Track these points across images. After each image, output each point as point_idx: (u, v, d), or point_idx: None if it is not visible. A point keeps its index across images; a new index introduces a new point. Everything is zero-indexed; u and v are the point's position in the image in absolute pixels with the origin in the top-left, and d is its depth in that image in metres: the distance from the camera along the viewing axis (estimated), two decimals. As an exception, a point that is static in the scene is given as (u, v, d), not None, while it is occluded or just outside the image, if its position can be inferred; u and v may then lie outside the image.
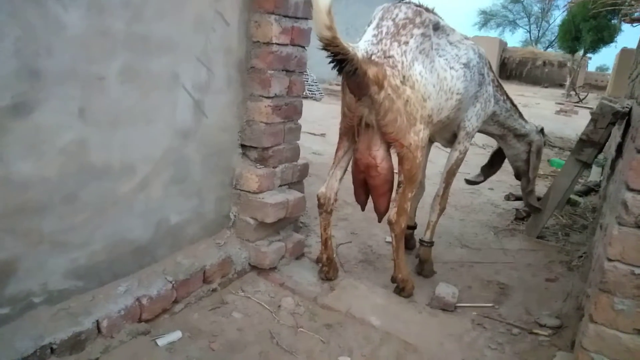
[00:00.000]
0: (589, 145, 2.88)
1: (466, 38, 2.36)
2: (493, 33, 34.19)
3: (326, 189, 2.28)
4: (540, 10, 33.38)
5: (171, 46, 1.86)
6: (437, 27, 2.13)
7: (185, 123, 2.01)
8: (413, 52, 1.95)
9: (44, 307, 1.62)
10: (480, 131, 2.71)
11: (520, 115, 2.88)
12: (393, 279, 2.34)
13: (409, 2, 2.10)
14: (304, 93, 7.76)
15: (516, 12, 35.29)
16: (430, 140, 2.69)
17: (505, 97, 2.71)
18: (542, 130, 3.04)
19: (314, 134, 5.22)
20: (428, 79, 2.00)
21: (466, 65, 2.22)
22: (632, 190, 1.48)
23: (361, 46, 1.96)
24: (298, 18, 2.27)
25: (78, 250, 1.70)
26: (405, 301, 2.30)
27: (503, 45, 22.07)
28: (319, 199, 2.29)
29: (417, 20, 1.99)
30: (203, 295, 2.11)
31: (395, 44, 1.93)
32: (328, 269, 2.37)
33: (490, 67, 2.55)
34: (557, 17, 32.47)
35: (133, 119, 1.78)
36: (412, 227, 2.89)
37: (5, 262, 1.49)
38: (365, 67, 1.84)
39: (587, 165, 2.96)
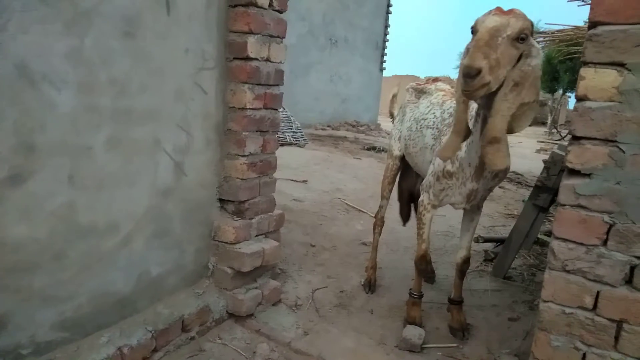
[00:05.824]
0: (544, 191, 3.11)
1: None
2: (476, 74, 35.36)
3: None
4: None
5: (153, 116, 2.08)
6: (422, 91, 2.93)
7: (166, 182, 2.20)
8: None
9: (32, 358, 1.75)
10: None
11: None
12: None
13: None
14: (289, 140, 8.09)
15: (497, 54, 36.66)
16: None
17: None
18: None
19: (296, 181, 5.41)
20: (397, 128, 3.07)
21: (416, 120, 2.77)
22: (557, 238, 1.68)
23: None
24: (270, 85, 2.52)
25: (65, 304, 1.85)
26: (375, 344, 2.44)
27: (485, 87, 22.81)
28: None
29: (411, 89, 3.02)
30: (182, 344, 2.24)
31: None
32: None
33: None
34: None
35: (117, 181, 1.98)
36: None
37: (-2, 317, 1.64)
38: None
39: (543, 209, 3.18)
